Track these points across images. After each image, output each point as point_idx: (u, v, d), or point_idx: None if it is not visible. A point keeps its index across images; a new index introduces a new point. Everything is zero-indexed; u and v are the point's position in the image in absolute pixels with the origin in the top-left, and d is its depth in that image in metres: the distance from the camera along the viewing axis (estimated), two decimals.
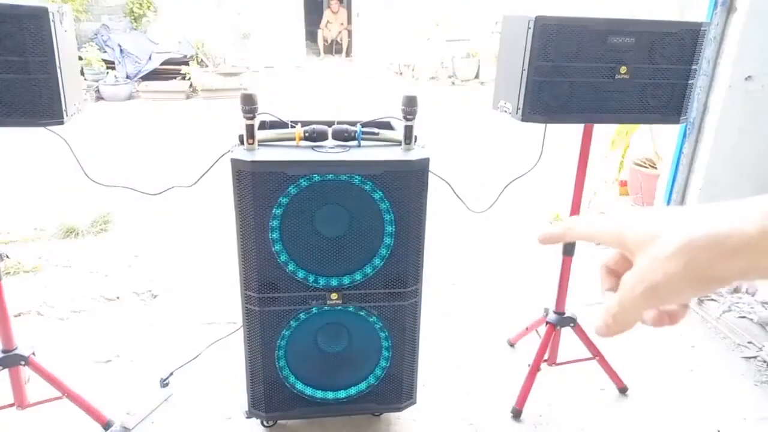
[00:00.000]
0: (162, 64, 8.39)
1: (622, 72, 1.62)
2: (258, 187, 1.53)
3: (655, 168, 3.25)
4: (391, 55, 10.15)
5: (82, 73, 7.97)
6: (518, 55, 1.63)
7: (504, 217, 3.89)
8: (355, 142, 1.68)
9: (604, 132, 3.56)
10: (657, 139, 3.33)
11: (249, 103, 1.55)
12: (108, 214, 3.73)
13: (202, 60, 8.66)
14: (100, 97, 7.92)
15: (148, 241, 3.41)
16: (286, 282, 1.64)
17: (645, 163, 3.33)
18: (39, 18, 1.39)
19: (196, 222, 3.63)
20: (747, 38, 2.39)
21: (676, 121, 1.73)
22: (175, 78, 8.32)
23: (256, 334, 1.69)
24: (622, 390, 2.09)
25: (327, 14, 11.36)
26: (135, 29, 8.65)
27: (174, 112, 7.18)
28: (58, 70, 1.45)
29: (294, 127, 1.69)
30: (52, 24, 1.41)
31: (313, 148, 1.63)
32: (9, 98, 1.42)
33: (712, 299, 2.62)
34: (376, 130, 1.71)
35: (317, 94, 8.22)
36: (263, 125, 1.88)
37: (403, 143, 1.66)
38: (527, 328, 2.24)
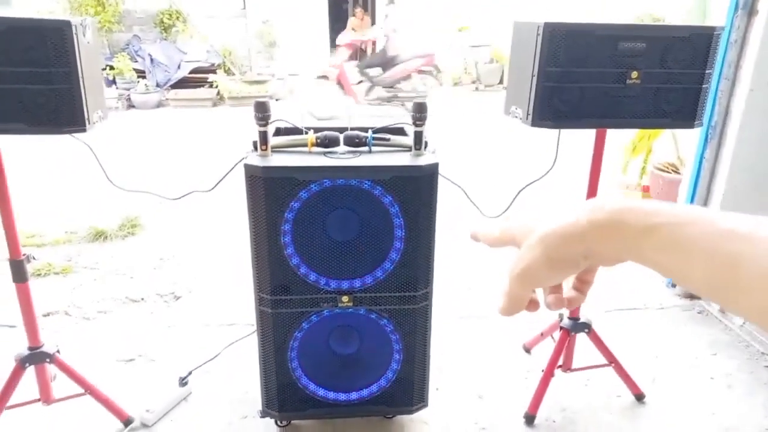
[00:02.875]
0: (190, 72, 8.61)
1: (633, 77, 1.61)
2: (270, 192, 1.57)
3: (678, 173, 3.19)
4: (414, 61, 10.17)
5: (114, 82, 8.23)
6: (528, 60, 1.64)
7: None
8: (366, 148, 1.71)
9: (626, 137, 3.52)
10: (680, 144, 3.28)
11: (262, 111, 1.60)
12: (136, 218, 3.84)
13: (228, 68, 8.84)
14: (131, 105, 8.18)
15: (174, 244, 3.50)
16: (298, 285, 1.67)
17: (668, 168, 3.27)
18: (62, 31, 1.46)
19: (220, 226, 3.71)
20: None
21: (691, 126, 1.71)
22: (202, 86, 8.53)
23: (269, 335, 1.73)
24: (639, 397, 2.06)
25: (351, 22, 11.45)
26: (165, 39, 8.89)
27: (201, 119, 7.35)
28: (81, 81, 1.51)
29: (307, 133, 1.73)
30: (74, 37, 1.48)
31: (324, 154, 1.67)
32: (34, 107, 1.49)
33: None
34: (387, 136, 1.74)
35: (338, 101, 8.30)
36: (279, 132, 1.93)
37: (413, 149, 1.68)
38: (542, 334, 2.23)
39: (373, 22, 11.16)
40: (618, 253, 0.44)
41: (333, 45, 10.88)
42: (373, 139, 1.72)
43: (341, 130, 1.77)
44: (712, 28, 1.62)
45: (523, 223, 0.50)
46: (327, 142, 1.70)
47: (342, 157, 1.64)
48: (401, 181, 1.60)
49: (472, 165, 5.25)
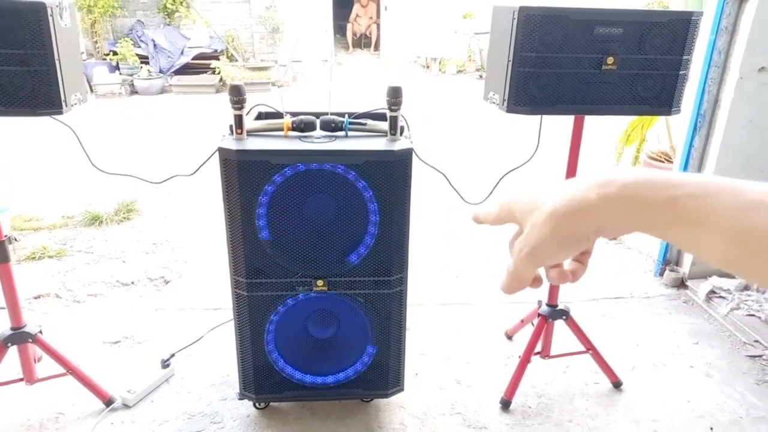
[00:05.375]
0: (193, 58, 8.59)
1: (609, 63, 1.60)
2: (244, 176, 1.58)
3: (671, 162, 3.17)
4: (419, 49, 10.13)
5: (118, 68, 8.25)
6: (504, 45, 1.63)
7: None
8: (342, 133, 1.71)
9: (620, 127, 3.50)
10: (673, 134, 3.26)
11: (237, 94, 1.60)
12: (132, 203, 3.87)
13: (231, 54, 8.83)
14: (134, 91, 8.19)
15: (168, 229, 3.53)
16: (273, 268, 1.69)
17: (660, 157, 3.25)
18: (37, 12, 1.47)
19: (215, 211, 3.73)
20: (760, 28, 2.31)
21: (668, 113, 1.70)
22: (205, 72, 8.52)
23: (245, 318, 1.75)
24: (616, 384, 2.07)
25: (356, 8, 11.40)
26: (168, 24, 8.88)
27: (202, 106, 7.36)
28: (57, 63, 1.53)
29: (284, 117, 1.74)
30: (50, 18, 1.49)
31: (300, 138, 1.68)
32: (11, 89, 1.51)
33: (721, 296, 2.56)
34: (364, 121, 1.74)
35: (338, 87, 8.30)
36: (260, 116, 1.94)
37: (388, 134, 1.68)
38: (522, 321, 2.24)
39: (378, 8, 11.10)
40: (630, 226, 0.42)
41: (337, 31, 10.84)
42: (350, 123, 1.72)
43: (320, 114, 1.78)
44: (690, 14, 1.60)
45: (523, 200, 0.48)
46: (303, 127, 1.70)
47: (317, 141, 1.65)
48: (375, 165, 1.60)
49: (462, 152, 5.24)
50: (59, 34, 1.53)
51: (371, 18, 11.38)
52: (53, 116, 1.62)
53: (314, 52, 9.19)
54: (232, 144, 1.59)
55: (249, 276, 1.69)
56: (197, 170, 1.99)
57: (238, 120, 1.63)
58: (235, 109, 1.62)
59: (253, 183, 1.59)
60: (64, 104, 1.56)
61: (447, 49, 9.68)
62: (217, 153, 1.85)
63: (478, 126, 6.34)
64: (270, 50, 9.31)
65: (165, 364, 2.10)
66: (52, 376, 1.90)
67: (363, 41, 11.75)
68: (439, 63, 9.67)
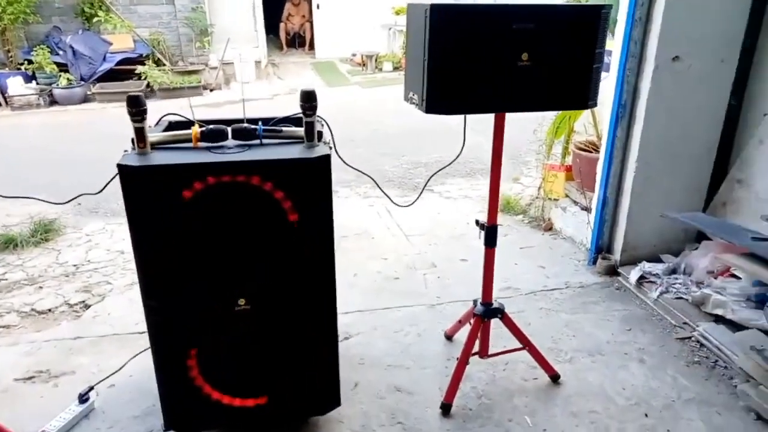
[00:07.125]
0: (117, 64, 8.18)
1: (524, 59, 1.57)
2: (148, 194, 1.47)
3: (599, 152, 3.23)
4: (353, 46, 10.06)
5: (34, 78, 7.76)
6: (419, 45, 1.58)
7: (452, 209, 3.87)
8: (257, 141, 1.62)
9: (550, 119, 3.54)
10: (599, 124, 3.32)
11: (135, 105, 1.48)
12: (50, 223, 3.62)
13: (158, 59, 8.47)
14: (54, 101, 7.73)
15: (91, 249, 3.32)
16: (190, 289, 1.58)
17: (588, 147, 3.31)
18: None
19: None
20: (672, 18, 2.37)
21: (585, 106, 1.70)
22: (131, 78, 8.14)
23: (162, 344, 1.63)
24: (554, 378, 2.07)
25: (288, 6, 11.18)
26: (88, 30, 8.41)
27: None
28: None
29: (203, 126, 1.62)
30: None
31: (210, 149, 1.57)
32: None
33: (651, 281, 2.62)
34: (278, 128, 1.66)
35: (275, 88, 8.15)
36: (170, 126, 1.81)
37: (305, 140, 1.60)
38: (460, 321, 2.22)
39: (309, 8, 10.93)
40: None
41: (270, 31, 10.60)
42: (264, 131, 1.63)
43: (233, 122, 1.68)
44: (601, 7, 1.60)
45: None
46: (213, 136, 1.60)
47: (228, 152, 1.55)
48: (292, 174, 1.52)
49: (411, 151, 5.22)
50: None
51: (304, 17, 11.20)
52: None
53: (246, 53, 8.94)
54: (133, 160, 1.47)
55: (163, 299, 1.57)
56: (104, 188, 1.84)
57: (140, 133, 1.51)
58: (135, 121, 1.50)
59: (159, 201, 1.48)
60: None
61: (381, 46, 9.65)
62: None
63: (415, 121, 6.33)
64: (199, 53, 8.98)
65: (83, 398, 1.94)
66: None
67: (297, 40, 11.55)
68: (375, 60, 9.62)
